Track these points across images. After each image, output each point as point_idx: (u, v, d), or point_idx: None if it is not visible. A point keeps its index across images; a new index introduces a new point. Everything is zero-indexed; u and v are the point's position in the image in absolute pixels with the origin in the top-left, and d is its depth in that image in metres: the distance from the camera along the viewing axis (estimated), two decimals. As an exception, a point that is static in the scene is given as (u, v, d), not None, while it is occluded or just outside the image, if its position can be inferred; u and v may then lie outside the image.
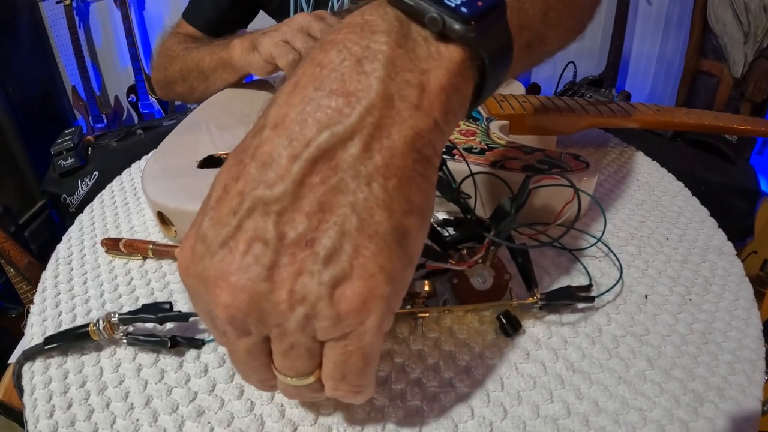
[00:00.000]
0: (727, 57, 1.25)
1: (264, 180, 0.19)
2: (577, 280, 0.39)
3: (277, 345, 0.21)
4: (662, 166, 0.57)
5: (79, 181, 1.46)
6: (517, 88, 0.64)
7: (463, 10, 0.20)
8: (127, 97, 2.01)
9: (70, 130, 1.57)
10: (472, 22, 0.20)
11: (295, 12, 0.75)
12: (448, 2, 0.20)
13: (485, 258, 0.33)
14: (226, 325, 0.20)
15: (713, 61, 1.30)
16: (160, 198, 0.44)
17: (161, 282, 0.42)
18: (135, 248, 0.44)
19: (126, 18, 1.74)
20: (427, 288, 0.33)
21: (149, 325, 0.36)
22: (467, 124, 0.51)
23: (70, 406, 0.32)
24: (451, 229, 0.42)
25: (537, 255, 0.41)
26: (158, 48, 0.77)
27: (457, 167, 0.44)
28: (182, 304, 0.39)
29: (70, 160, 1.49)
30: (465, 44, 0.21)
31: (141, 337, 0.34)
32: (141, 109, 2.00)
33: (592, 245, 0.42)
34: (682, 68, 1.28)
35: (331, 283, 0.19)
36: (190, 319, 0.35)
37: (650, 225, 0.46)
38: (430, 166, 0.21)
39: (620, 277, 0.39)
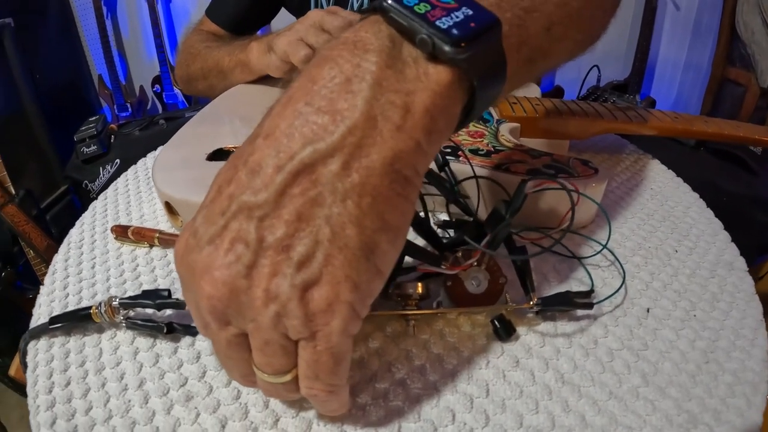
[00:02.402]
0: (755, 66, 1.20)
1: (251, 186, 0.21)
2: (578, 287, 0.38)
3: (254, 340, 0.22)
4: (683, 175, 0.55)
5: (101, 168, 1.49)
6: (533, 90, 0.63)
7: (454, 32, 0.21)
8: (152, 87, 2.04)
9: (94, 118, 1.60)
10: (462, 44, 0.21)
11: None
12: (440, 23, 0.21)
13: (481, 261, 0.33)
14: (208, 314, 0.22)
15: (740, 69, 1.26)
16: (167, 188, 0.45)
17: (165, 270, 0.42)
18: (142, 236, 0.45)
19: (152, 9, 1.77)
20: (419, 290, 0.33)
21: (149, 311, 0.36)
22: (476, 125, 0.50)
23: (68, 383, 0.33)
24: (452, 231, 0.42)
25: (538, 260, 0.41)
26: (182, 45, 0.78)
27: (461, 169, 0.44)
28: (181, 293, 0.39)
29: (93, 147, 1.53)
30: (454, 66, 0.21)
31: (139, 322, 0.35)
32: (165, 100, 2.03)
33: (597, 253, 0.41)
34: (708, 76, 1.24)
35: (301, 285, 0.20)
36: (187, 307, 0.35)
37: (659, 236, 0.45)
38: (410, 185, 0.22)
39: (621, 286, 0.38)
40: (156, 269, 0.43)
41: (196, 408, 0.30)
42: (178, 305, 0.35)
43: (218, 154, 0.50)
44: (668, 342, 0.34)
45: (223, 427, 0.29)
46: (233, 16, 0.77)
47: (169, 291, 0.35)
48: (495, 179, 0.40)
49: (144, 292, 0.36)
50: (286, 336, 0.21)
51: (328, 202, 0.20)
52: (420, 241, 0.36)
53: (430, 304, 0.34)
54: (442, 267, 0.33)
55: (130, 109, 2.05)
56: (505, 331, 0.33)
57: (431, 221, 0.40)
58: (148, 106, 2.14)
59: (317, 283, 0.20)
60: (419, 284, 0.33)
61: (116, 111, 2.04)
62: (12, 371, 1.06)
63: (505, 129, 0.50)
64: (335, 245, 0.20)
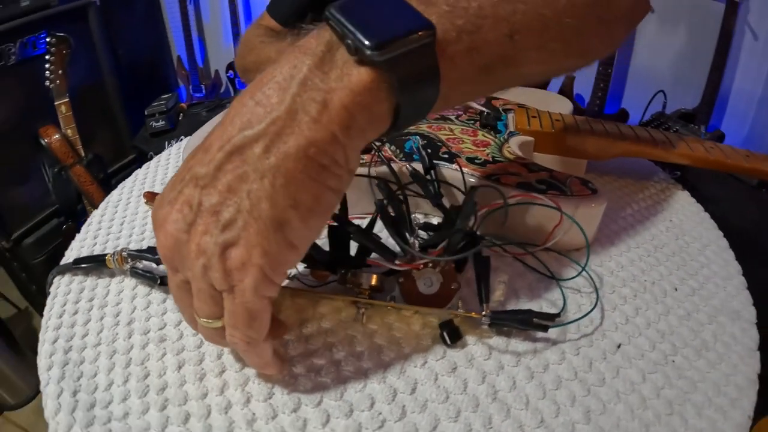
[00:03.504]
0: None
1: (201, 161, 0.25)
2: (548, 309, 0.36)
3: (192, 287, 0.26)
4: (740, 215, 0.50)
5: (166, 143, 1.60)
6: (563, 105, 0.60)
7: (374, 37, 0.22)
8: (226, 72, 2.15)
9: (167, 95, 1.72)
10: (380, 48, 0.22)
11: None
12: (366, 29, 0.23)
13: (435, 263, 0.32)
14: (163, 260, 0.27)
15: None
16: None
17: None
18: None
19: (232, 0, 1.86)
20: (373, 282, 0.34)
21: (154, 265, 0.41)
22: (486, 135, 0.49)
23: (75, 312, 0.39)
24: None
25: (514, 276, 0.39)
26: (242, 37, 0.82)
27: (452, 174, 0.43)
28: None
29: (161, 123, 1.64)
30: (376, 67, 0.23)
31: (140, 272, 0.40)
32: (237, 86, 2.13)
33: (576, 275, 0.39)
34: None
35: (222, 244, 0.24)
36: None
37: (661, 271, 0.41)
38: (326, 172, 0.24)
39: (584, 315, 0.35)
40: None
41: (164, 348, 0.35)
42: None
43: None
44: (630, 383, 0.31)
45: (180, 367, 0.33)
46: (289, 15, 0.79)
47: None
48: (499, 190, 0.39)
49: (149, 248, 0.41)
50: (213, 287, 0.25)
51: (251, 178, 0.23)
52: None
53: (384, 297, 0.35)
54: (396, 263, 0.32)
55: (203, 91, 2.17)
56: (449, 336, 0.33)
57: (413, 222, 0.39)
58: (222, 90, 2.25)
59: (235, 244, 0.24)
60: (374, 276, 0.34)
61: (191, 91, 2.17)
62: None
63: (515, 142, 0.48)
64: (252, 215, 0.23)
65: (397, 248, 0.34)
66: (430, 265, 0.32)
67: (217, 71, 2.21)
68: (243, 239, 0.24)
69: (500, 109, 0.54)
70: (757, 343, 0.36)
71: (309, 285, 0.38)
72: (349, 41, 0.23)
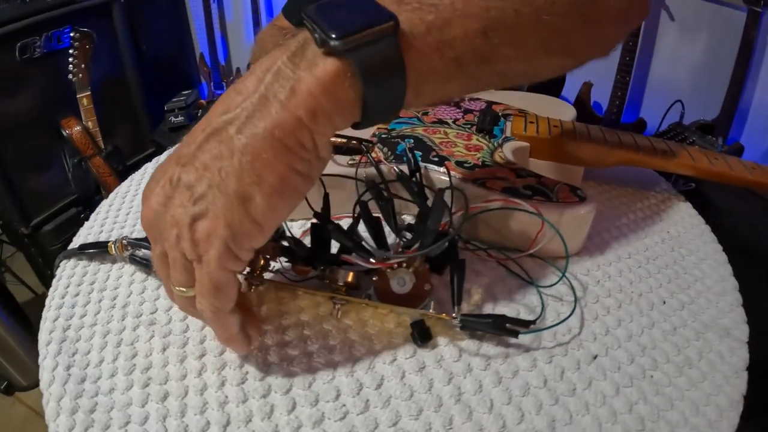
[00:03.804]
0: None
1: (186, 143, 0.27)
2: (525, 315, 0.35)
3: (169, 257, 0.28)
4: (755, 228, 0.49)
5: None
6: (566, 111, 0.59)
7: (338, 29, 0.24)
8: (248, 70, 2.18)
9: (187, 91, 1.75)
10: (343, 38, 0.24)
11: None
12: (332, 23, 0.24)
13: (409, 263, 0.32)
14: (145, 231, 0.29)
15: None
16: None
17: None
18: None
19: (254, 0, 1.89)
20: (349, 279, 0.34)
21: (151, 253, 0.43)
22: (480, 140, 0.48)
23: (77, 294, 0.42)
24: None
25: (495, 280, 0.38)
26: (257, 37, 0.83)
27: (440, 177, 0.42)
28: None
29: (180, 118, 1.67)
30: (340, 57, 0.25)
31: (138, 259, 0.42)
32: (256, 84, 2.16)
33: (556, 282, 0.38)
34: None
35: (193, 216, 0.26)
36: None
37: (651, 283, 0.40)
38: (292, 154, 0.26)
39: (556, 323, 0.35)
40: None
41: (153, 331, 0.37)
42: None
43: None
44: (602, 396, 0.30)
45: (164, 349, 0.35)
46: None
47: None
48: (463, 191, 0.38)
49: (147, 237, 0.42)
50: (185, 257, 0.27)
51: (224, 156, 0.25)
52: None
53: (360, 295, 0.35)
54: (371, 261, 0.32)
55: (225, 88, 2.20)
56: (420, 336, 0.33)
57: (398, 223, 0.39)
58: (241, 88, 2.28)
59: (203, 216, 0.26)
60: (351, 273, 0.34)
61: (212, 88, 2.20)
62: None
63: (509, 147, 0.48)
64: (220, 190, 0.25)
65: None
66: (404, 265, 0.32)
67: (238, 69, 2.24)
68: (211, 212, 0.26)
69: (499, 114, 0.54)
70: (746, 364, 0.35)
71: (291, 280, 0.38)
72: (317, 35, 0.25)
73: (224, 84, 2.19)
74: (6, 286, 1.33)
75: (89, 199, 1.43)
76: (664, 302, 0.39)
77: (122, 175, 1.47)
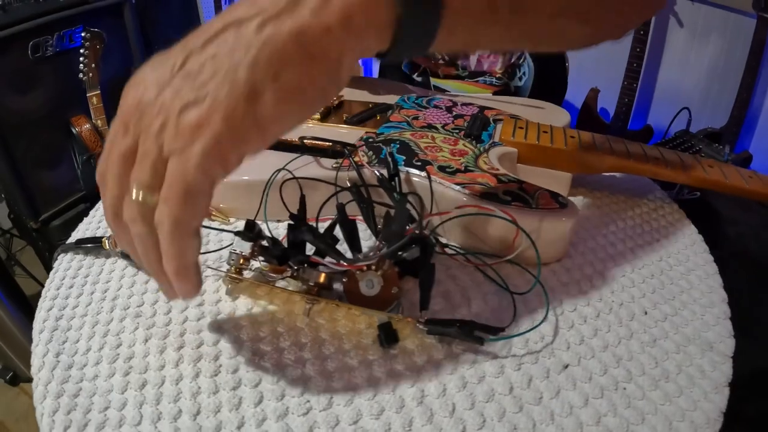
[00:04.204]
0: None
1: (198, 34, 0.25)
2: (498, 321, 0.35)
3: (139, 151, 0.25)
4: (759, 239, 0.48)
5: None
6: (560, 117, 0.58)
7: None
8: (257, 71, 2.20)
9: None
10: None
11: None
12: None
13: (378, 266, 0.32)
14: (118, 120, 0.26)
15: None
16: None
17: None
18: None
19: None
20: (320, 279, 0.35)
21: None
22: (466, 145, 0.48)
23: (71, 286, 0.43)
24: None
25: (471, 286, 0.38)
26: None
27: (421, 182, 0.42)
28: None
29: (188, 117, 1.68)
30: None
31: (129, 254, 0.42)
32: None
33: (530, 290, 0.38)
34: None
35: (188, 102, 0.23)
36: None
37: (634, 292, 0.39)
38: (315, 62, 0.24)
39: (529, 330, 0.34)
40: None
41: (138, 323, 0.38)
42: None
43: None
44: (569, 406, 0.30)
45: (147, 341, 0.37)
46: None
47: None
48: (442, 196, 0.38)
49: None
50: (161, 151, 0.24)
51: (241, 46, 0.23)
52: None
53: (333, 295, 0.36)
54: (341, 263, 0.32)
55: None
56: (385, 338, 0.33)
57: (377, 226, 0.39)
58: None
59: (199, 104, 0.23)
60: (323, 274, 0.35)
61: (223, 89, 2.23)
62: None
63: (496, 152, 0.47)
64: (227, 79, 0.23)
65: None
66: (373, 267, 0.32)
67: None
68: (210, 99, 0.23)
69: (490, 119, 0.53)
70: (729, 379, 0.34)
71: (269, 278, 0.39)
72: None
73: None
74: (14, 279, 1.36)
75: (97, 196, 1.44)
76: (646, 312, 0.38)
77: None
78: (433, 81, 0.78)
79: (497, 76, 0.76)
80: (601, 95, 1.32)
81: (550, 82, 0.86)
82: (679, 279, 0.42)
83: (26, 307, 1.28)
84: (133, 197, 0.25)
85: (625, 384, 0.32)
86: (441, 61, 0.73)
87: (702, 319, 0.38)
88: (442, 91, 0.77)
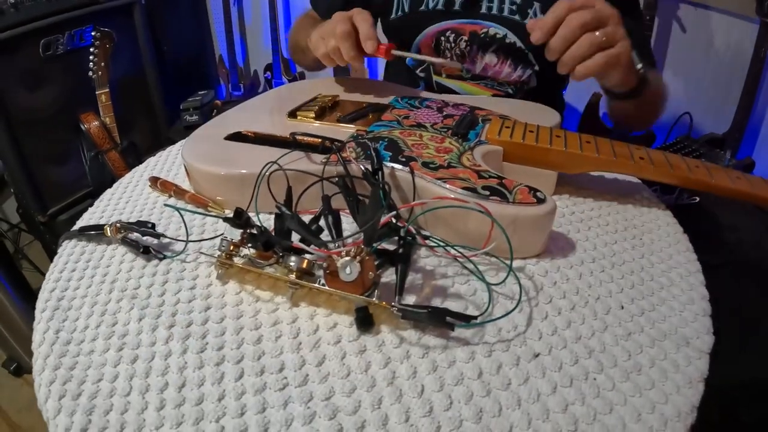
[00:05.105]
0: None
1: None
2: (472, 310, 0.36)
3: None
4: (757, 244, 0.49)
5: (198, 136, 1.67)
6: (550, 117, 0.59)
7: None
8: (264, 73, 2.22)
9: (203, 92, 1.79)
10: None
11: (397, 10, 0.77)
12: None
13: (356, 254, 0.33)
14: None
15: None
16: (185, 154, 0.53)
17: (168, 212, 0.53)
18: (165, 187, 0.56)
19: (272, 6, 1.93)
20: (303, 264, 0.36)
21: (146, 238, 0.47)
22: (452, 143, 0.49)
23: (74, 270, 0.46)
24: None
25: (449, 274, 0.39)
26: (293, 24, 0.90)
27: (405, 177, 0.43)
28: (161, 228, 0.50)
29: (195, 117, 1.71)
30: None
31: (128, 241, 0.46)
32: (273, 86, 2.20)
33: (503, 281, 0.38)
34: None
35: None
36: (162, 239, 0.47)
37: (611, 287, 0.40)
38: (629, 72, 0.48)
39: (499, 317, 0.35)
40: (165, 211, 0.53)
41: (133, 304, 0.41)
42: (155, 235, 0.46)
43: (235, 136, 0.55)
44: (536, 393, 0.30)
45: (140, 320, 0.39)
46: (327, 8, 0.83)
47: (153, 224, 0.47)
48: (424, 190, 0.39)
49: (138, 221, 0.47)
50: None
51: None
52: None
53: (314, 281, 0.37)
54: (321, 250, 0.34)
55: (242, 90, 2.25)
56: (361, 322, 0.35)
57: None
58: (259, 90, 2.33)
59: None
60: (305, 260, 0.36)
61: (230, 89, 2.25)
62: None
63: (480, 151, 0.48)
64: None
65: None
66: (352, 254, 0.33)
67: (255, 71, 2.29)
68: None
69: (479, 119, 0.54)
70: (704, 375, 0.34)
71: (257, 264, 0.40)
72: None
73: (241, 86, 2.24)
74: (21, 272, 1.39)
75: (104, 192, 1.48)
76: (623, 307, 0.38)
77: (137, 171, 1.51)
78: (435, 78, 0.79)
79: (500, 83, 0.77)
80: (604, 99, 1.32)
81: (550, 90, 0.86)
82: (659, 276, 0.42)
83: (32, 300, 1.30)
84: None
85: (595, 375, 0.32)
86: (446, 60, 0.74)
87: (680, 315, 0.38)
88: (444, 88, 0.78)
